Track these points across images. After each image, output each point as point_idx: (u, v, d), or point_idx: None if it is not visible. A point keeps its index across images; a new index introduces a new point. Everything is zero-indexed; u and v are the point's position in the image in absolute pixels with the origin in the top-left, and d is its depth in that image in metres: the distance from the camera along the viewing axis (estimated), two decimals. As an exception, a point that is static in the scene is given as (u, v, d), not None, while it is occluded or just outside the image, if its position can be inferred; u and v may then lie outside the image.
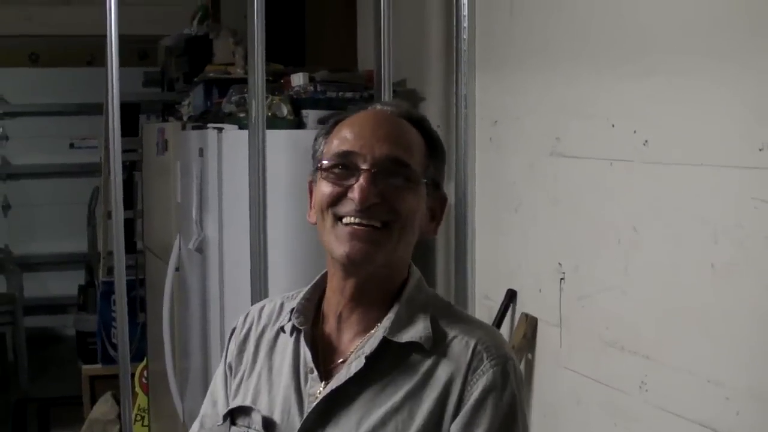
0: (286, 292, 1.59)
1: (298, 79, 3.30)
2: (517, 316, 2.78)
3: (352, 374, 1.41)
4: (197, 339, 3.31)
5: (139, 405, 4.57)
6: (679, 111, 2.10)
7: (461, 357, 1.41)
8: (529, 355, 2.72)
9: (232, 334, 1.59)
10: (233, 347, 1.58)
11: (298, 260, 3.01)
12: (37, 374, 6.43)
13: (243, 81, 3.14)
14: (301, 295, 1.53)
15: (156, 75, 5.16)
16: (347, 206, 1.42)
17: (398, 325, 1.43)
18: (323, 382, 1.44)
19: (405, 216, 1.44)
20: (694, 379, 2.05)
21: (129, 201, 4.59)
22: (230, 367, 1.57)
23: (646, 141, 2.20)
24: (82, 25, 5.45)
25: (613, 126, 2.33)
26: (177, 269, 3.51)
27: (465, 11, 2.96)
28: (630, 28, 2.28)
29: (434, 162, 1.50)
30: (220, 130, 3.11)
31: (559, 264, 2.57)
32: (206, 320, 3.18)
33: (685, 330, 2.10)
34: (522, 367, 2.72)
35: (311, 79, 3.31)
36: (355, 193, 1.41)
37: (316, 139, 1.52)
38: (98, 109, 5.53)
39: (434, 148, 1.51)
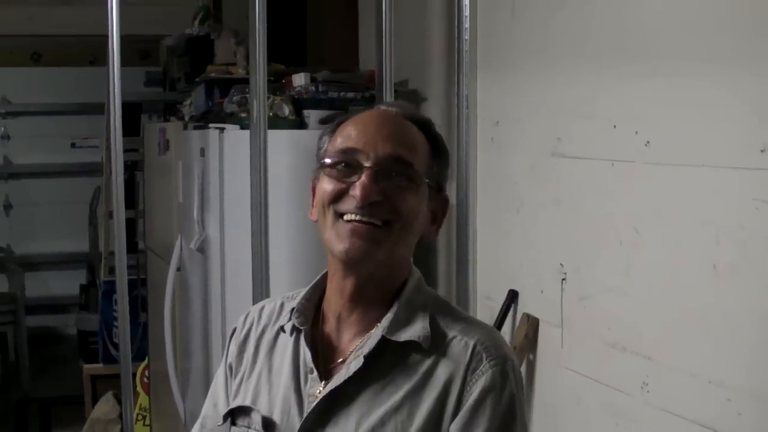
0: (287, 292, 1.59)
1: (299, 79, 3.30)
2: (519, 316, 2.78)
3: (351, 374, 1.41)
4: (198, 339, 3.32)
5: (141, 404, 4.58)
6: (681, 112, 2.10)
7: (460, 357, 1.41)
8: (531, 356, 2.72)
9: (232, 335, 1.59)
10: (233, 348, 1.58)
11: (300, 260, 3.01)
12: (38, 374, 6.43)
13: (244, 81, 3.14)
14: (301, 295, 1.53)
15: (157, 75, 5.17)
16: (348, 203, 1.42)
17: (397, 325, 1.43)
18: (323, 382, 1.44)
19: (406, 216, 1.44)
20: (696, 379, 2.05)
21: (130, 201, 4.59)
22: (231, 368, 1.57)
23: (648, 142, 2.20)
24: (83, 25, 5.44)
25: (614, 127, 2.33)
26: (178, 269, 3.52)
27: (466, 12, 2.96)
28: (631, 29, 2.28)
29: (438, 164, 1.50)
30: (221, 130, 3.11)
31: (561, 264, 2.56)
32: (207, 320, 3.18)
33: (686, 331, 2.10)
34: (523, 367, 2.72)
35: (313, 79, 3.31)
36: (356, 191, 1.41)
37: (320, 138, 1.52)
38: (100, 108, 5.53)
39: (438, 150, 1.51)
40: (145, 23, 5.09)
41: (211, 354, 3.14)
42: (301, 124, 3.21)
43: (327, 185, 1.45)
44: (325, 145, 1.50)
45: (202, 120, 3.46)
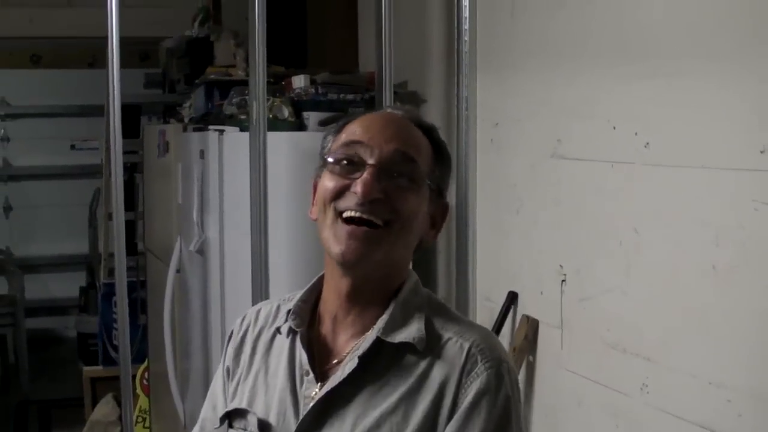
0: (285, 294, 1.59)
1: (299, 81, 3.30)
2: (519, 317, 2.78)
3: (345, 375, 1.41)
4: (198, 340, 3.31)
5: (140, 406, 4.57)
6: (681, 113, 2.10)
7: (455, 359, 1.40)
8: (531, 357, 2.72)
9: (229, 338, 1.59)
10: (230, 351, 1.58)
11: (299, 262, 3.01)
12: (38, 376, 6.43)
13: (244, 83, 3.14)
14: (298, 297, 1.53)
15: (157, 77, 5.17)
16: (349, 200, 1.42)
17: (392, 326, 1.43)
18: (319, 384, 1.44)
19: (405, 216, 1.44)
20: (696, 380, 2.05)
21: (130, 202, 4.59)
22: (228, 371, 1.57)
23: (648, 143, 2.20)
24: (83, 27, 5.45)
25: (614, 128, 2.33)
26: (178, 271, 3.51)
27: (466, 13, 2.96)
28: (631, 30, 2.28)
29: (440, 169, 1.51)
30: (221, 131, 3.11)
31: (561, 266, 2.56)
32: (207, 322, 3.18)
33: (686, 332, 2.10)
34: (523, 368, 2.72)
35: (312, 81, 3.31)
36: (358, 187, 1.41)
37: (324, 137, 1.53)
38: (99, 110, 5.53)
39: (441, 156, 1.52)
40: (144, 25, 5.09)
41: (211, 356, 3.14)
42: (300, 125, 3.21)
43: (329, 182, 1.45)
44: (329, 144, 1.50)
45: (202, 122, 3.46)
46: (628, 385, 2.28)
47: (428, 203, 1.48)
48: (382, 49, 2.97)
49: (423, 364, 1.41)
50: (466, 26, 2.96)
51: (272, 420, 1.46)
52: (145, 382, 4.57)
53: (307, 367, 1.46)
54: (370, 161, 1.42)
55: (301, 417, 1.43)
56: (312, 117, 3.20)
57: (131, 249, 4.27)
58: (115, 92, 2.98)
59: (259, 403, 1.49)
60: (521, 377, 2.71)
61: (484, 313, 2.95)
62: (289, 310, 1.51)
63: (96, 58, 6.76)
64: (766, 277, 1.88)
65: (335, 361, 1.46)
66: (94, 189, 6.33)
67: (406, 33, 3.34)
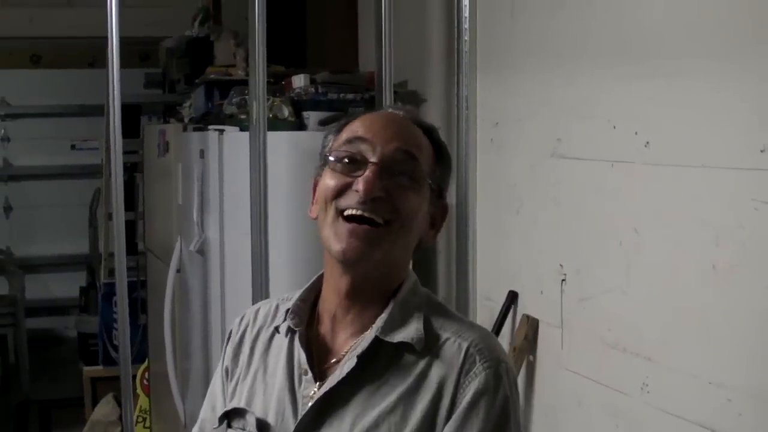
0: (285, 294, 1.59)
1: (299, 81, 3.30)
2: (519, 317, 2.78)
3: (344, 375, 1.41)
4: (198, 340, 3.31)
5: (141, 406, 4.57)
6: (681, 113, 2.10)
7: (454, 359, 1.40)
8: (531, 357, 2.72)
9: (228, 338, 1.59)
10: (229, 350, 1.58)
11: (300, 262, 3.01)
12: (38, 376, 6.43)
13: (244, 83, 3.14)
14: (296, 296, 1.53)
15: (157, 76, 5.17)
16: (351, 198, 1.42)
17: (391, 326, 1.43)
18: (317, 383, 1.44)
19: (405, 215, 1.43)
20: (696, 380, 2.05)
21: (130, 202, 4.59)
22: (227, 371, 1.57)
23: (648, 142, 2.20)
24: (83, 27, 5.44)
25: (614, 127, 2.33)
26: (178, 271, 3.51)
27: (466, 12, 2.96)
28: (631, 30, 2.28)
29: (440, 169, 1.51)
30: (221, 131, 3.11)
31: (561, 265, 2.56)
32: (207, 322, 3.18)
33: (686, 331, 2.10)
34: (523, 368, 2.72)
35: (312, 81, 3.31)
36: (359, 185, 1.41)
37: (325, 136, 1.53)
38: (99, 110, 5.53)
39: (441, 156, 1.52)
40: (144, 25, 5.10)
41: (211, 356, 3.14)
42: (300, 125, 3.21)
43: (330, 181, 1.44)
44: (330, 143, 1.50)
45: (202, 122, 3.46)
46: (628, 384, 2.28)
47: (428, 203, 1.48)
48: (382, 48, 2.97)
49: (421, 364, 1.41)
50: (466, 26, 2.96)
51: (271, 419, 1.46)
52: (145, 382, 4.57)
53: (305, 366, 1.45)
54: (372, 159, 1.42)
55: (299, 416, 1.43)
56: (312, 117, 3.20)
57: (131, 249, 4.26)
58: (115, 92, 2.98)
59: (257, 403, 1.49)
60: (521, 377, 2.71)
61: (484, 313, 2.95)
62: (288, 310, 1.51)
63: (96, 58, 6.76)
64: (766, 276, 1.87)
65: (334, 360, 1.46)
66: (94, 189, 6.33)
67: (406, 32, 3.34)
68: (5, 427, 5.72)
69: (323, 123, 3.14)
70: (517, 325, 2.78)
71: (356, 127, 1.47)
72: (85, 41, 6.10)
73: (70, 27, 6.03)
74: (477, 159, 3.00)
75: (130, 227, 4.53)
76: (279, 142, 3.01)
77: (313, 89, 3.27)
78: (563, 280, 2.56)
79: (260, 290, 2.84)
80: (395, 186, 1.43)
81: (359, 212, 1.41)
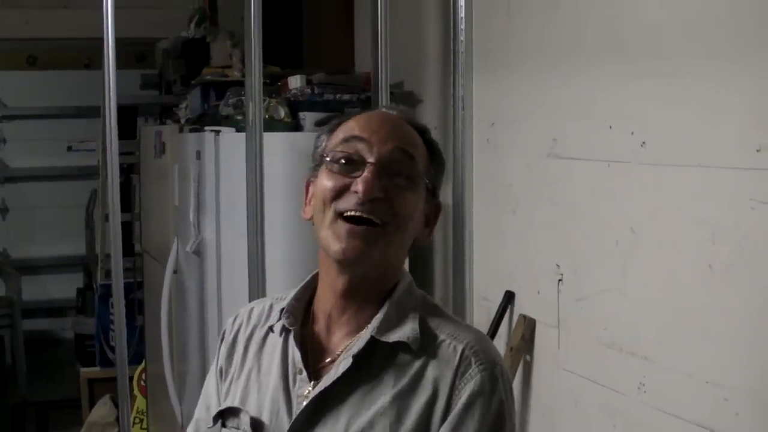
0: (280, 293, 1.59)
1: (295, 82, 3.30)
2: (515, 317, 2.78)
3: (339, 374, 1.41)
4: (195, 341, 3.31)
5: (138, 408, 4.57)
6: (677, 112, 2.10)
7: (449, 361, 1.40)
8: (528, 357, 2.72)
9: (222, 338, 1.59)
10: (223, 350, 1.57)
11: (296, 262, 3.01)
12: (35, 377, 6.42)
13: (240, 83, 3.14)
14: (291, 295, 1.53)
15: (153, 78, 5.17)
16: (349, 200, 1.41)
17: (387, 325, 1.43)
18: (312, 383, 1.44)
19: (402, 216, 1.44)
20: (693, 380, 2.05)
21: (127, 204, 4.59)
22: (221, 371, 1.57)
23: (644, 142, 2.20)
24: (79, 28, 5.45)
25: (610, 127, 2.33)
26: (175, 272, 3.51)
27: (462, 13, 2.96)
28: (627, 30, 2.28)
29: (434, 168, 1.51)
30: (217, 132, 3.11)
31: (557, 265, 2.56)
32: (204, 322, 3.18)
33: (683, 331, 2.10)
34: (520, 368, 2.72)
35: (308, 82, 3.31)
36: (359, 186, 1.40)
37: (318, 137, 1.52)
38: (96, 111, 5.53)
39: (435, 156, 1.52)
40: (140, 26, 5.10)
41: (208, 356, 3.13)
42: (296, 126, 3.21)
43: (327, 181, 1.44)
44: (324, 144, 1.49)
45: (198, 123, 3.46)
46: (625, 384, 2.28)
47: (423, 202, 1.48)
48: (379, 49, 2.97)
49: (417, 365, 1.41)
50: (462, 26, 2.96)
51: (265, 419, 1.46)
52: (142, 383, 4.56)
53: (300, 365, 1.45)
54: (370, 159, 1.42)
55: (294, 415, 1.42)
56: (308, 117, 3.20)
57: (128, 250, 4.26)
58: (112, 93, 2.98)
59: (251, 402, 1.48)
60: (518, 377, 2.72)
61: (481, 313, 2.95)
62: (282, 309, 1.50)
63: (92, 59, 6.75)
64: (763, 276, 1.88)
65: (328, 359, 1.46)
66: (90, 190, 6.33)
67: (402, 33, 3.34)
68: (2, 428, 5.71)
69: (319, 124, 3.14)
70: (513, 325, 2.78)
71: (352, 127, 1.47)
72: (81, 42, 6.10)
73: (66, 28, 6.04)
74: (473, 159, 3.00)
75: (127, 228, 4.53)
76: (275, 143, 3.01)
77: (309, 90, 3.27)
78: (560, 280, 2.56)
79: (257, 291, 2.84)
80: (393, 186, 1.43)
81: (358, 213, 1.41)
